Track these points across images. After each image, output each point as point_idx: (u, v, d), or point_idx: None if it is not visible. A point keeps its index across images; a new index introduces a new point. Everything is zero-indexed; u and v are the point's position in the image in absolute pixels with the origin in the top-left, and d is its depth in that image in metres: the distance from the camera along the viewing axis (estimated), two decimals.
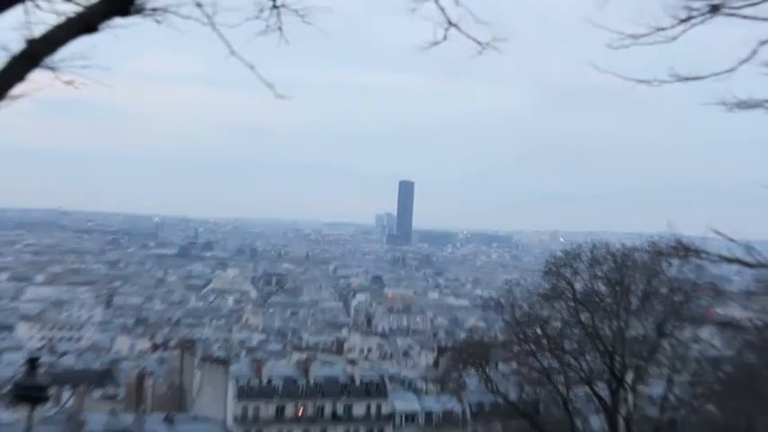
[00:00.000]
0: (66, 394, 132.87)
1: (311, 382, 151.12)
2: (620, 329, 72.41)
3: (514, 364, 78.94)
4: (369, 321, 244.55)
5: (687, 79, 16.80)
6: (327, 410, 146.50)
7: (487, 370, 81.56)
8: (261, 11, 11.02)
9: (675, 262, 67.65)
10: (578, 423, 75.04)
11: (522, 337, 76.91)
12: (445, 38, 11.15)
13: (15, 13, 10.16)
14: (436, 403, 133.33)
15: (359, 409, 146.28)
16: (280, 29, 11.09)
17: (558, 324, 75.80)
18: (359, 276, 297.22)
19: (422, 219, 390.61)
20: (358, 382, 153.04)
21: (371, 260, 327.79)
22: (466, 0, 11.05)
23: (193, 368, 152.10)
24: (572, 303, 74.39)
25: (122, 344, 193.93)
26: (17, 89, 10.42)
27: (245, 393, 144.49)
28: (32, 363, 38.38)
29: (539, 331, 75.77)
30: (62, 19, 10.54)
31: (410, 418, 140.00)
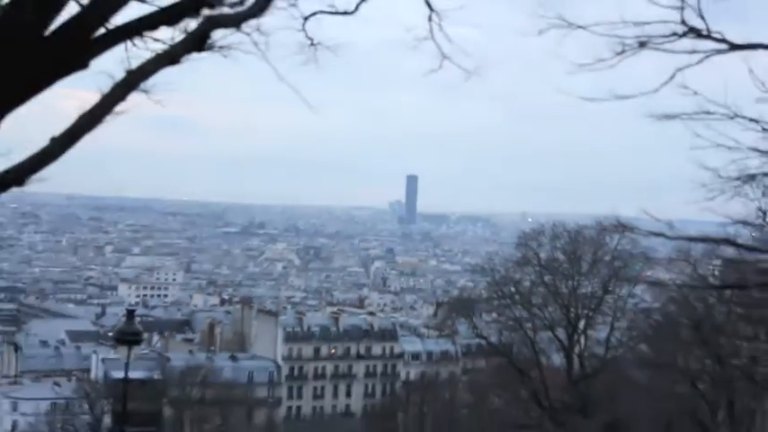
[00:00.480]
0: (155, 338, 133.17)
1: (340, 329, 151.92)
2: (574, 288, 72.95)
3: (494, 315, 78.99)
4: (384, 282, 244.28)
5: (623, 98, 16.90)
6: (352, 351, 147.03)
7: (474, 319, 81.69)
8: (302, 48, 11.06)
9: (616, 236, 67.80)
10: (543, 360, 75.21)
11: (500, 294, 77.24)
12: (440, 67, 11.19)
13: (118, 50, 10.22)
14: (435, 345, 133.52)
15: (376, 350, 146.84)
16: (316, 61, 11.14)
17: (527, 284, 76.06)
18: (376, 248, 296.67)
19: (424, 204, 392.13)
20: (376, 329, 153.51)
21: (386, 236, 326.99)
22: (457, 38, 11.10)
23: (251, 318, 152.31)
24: (537, 268, 74.85)
25: (198, 300, 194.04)
26: (119, 108, 10.53)
27: (290, 338, 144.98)
28: (130, 314, 38.69)
29: (512, 289, 76.08)
30: (153, 54, 10.64)
31: (415, 356, 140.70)
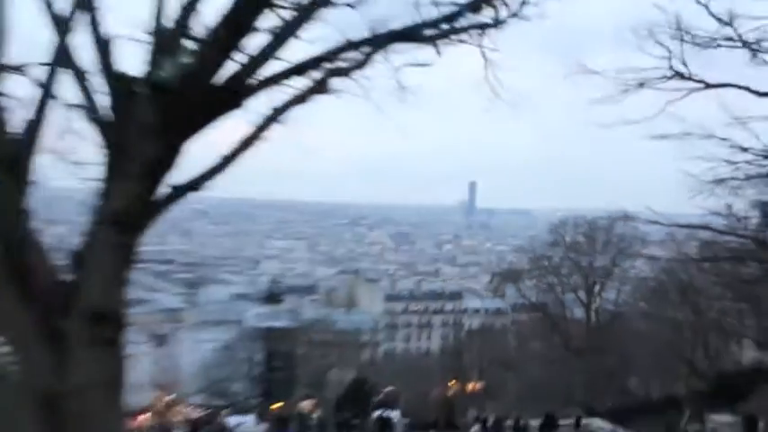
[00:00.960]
0: (290, 298, 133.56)
1: (422, 291, 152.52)
2: (591, 262, 73.27)
3: (533, 282, 79.01)
4: (453, 258, 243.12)
5: (629, 123, 16.89)
6: (431, 307, 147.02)
7: (519, 285, 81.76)
8: (394, 89, 11.15)
9: (621, 224, 67.73)
10: (568, 314, 75.03)
11: (537, 266, 77.62)
12: (493, 100, 11.37)
13: (264, 93, 10.35)
14: (491, 303, 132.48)
15: (448, 307, 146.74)
16: (404, 98, 11.25)
17: (557, 260, 76.14)
18: (447, 234, 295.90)
19: (481, 202, 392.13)
20: (447, 292, 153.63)
21: (454, 225, 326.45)
22: (504, 79, 11.24)
23: (359, 285, 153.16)
24: (564, 248, 75.08)
25: (320, 271, 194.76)
26: (265, 135, 10.70)
27: (386, 298, 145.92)
28: (274, 282, 39.36)
29: (546, 263, 76.38)
30: (289, 96, 10.75)
31: (476, 311, 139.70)
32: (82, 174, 11.09)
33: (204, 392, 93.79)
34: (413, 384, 74.32)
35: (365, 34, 10.58)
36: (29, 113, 10.52)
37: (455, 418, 45.31)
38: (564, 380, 64.62)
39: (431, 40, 10.91)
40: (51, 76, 10.67)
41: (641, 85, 17.31)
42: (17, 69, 10.68)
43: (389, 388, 67.22)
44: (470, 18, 10.85)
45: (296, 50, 10.27)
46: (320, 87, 10.82)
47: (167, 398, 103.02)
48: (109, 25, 10.63)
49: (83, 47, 10.66)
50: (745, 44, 17.58)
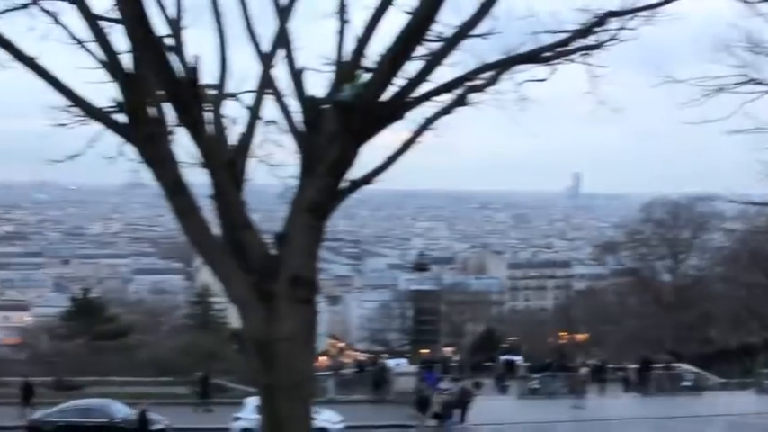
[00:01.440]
0: (434, 267, 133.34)
1: (538, 260, 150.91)
2: (676, 236, 70.96)
3: (629, 252, 77.46)
4: (563, 234, 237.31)
5: (710, 121, 16.48)
6: (545, 273, 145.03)
7: (617, 254, 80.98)
8: (517, 100, 11.27)
9: (701, 203, 66.16)
10: (657, 277, 73.14)
11: (632, 239, 76.09)
12: (597, 106, 11.43)
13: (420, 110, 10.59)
14: (594, 269, 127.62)
15: (560, 273, 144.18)
16: (521, 106, 11.45)
17: (648, 233, 74.07)
18: (557, 215, 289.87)
19: (585, 188, 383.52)
20: (558, 261, 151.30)
21: (562, 207, 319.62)
22: (605, 90, 11.24)
23: (487, 256, 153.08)
24: (654, 224, 72.88)
25: (457, 247, 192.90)
26: (419, 140, 11.08)
27: (510, 266, 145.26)
28: (421, 254, 39.56)
29: (639, 237, 74.62)
30: (437, 108, 11.06)
31: (582, 276, 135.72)
32: (279, 173, 11.62)
33: (367, 340, 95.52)
34: (532, 335, 73.66)
35: (496, 58, 10.71)
36: (241, 128, 11.15)
37: (567, 362, 44.60)
38: (655, 331, 62.73)
39: (547, 61, 10.97)
40: (258, 100, 11.24)
41: (720, 90, 16.78)
42: (233, 96, 11.30)
43: (513, 337, 66.93)
44: (579, 42, 10.85)
45: (442, 72, 10.50)
46: (462, 101, 11.02)
47: (339, 344, 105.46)
48: (301, 59, 11.14)
49: (281, 76, 11.21)
50: None
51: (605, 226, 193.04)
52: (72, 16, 10.22)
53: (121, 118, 10.18)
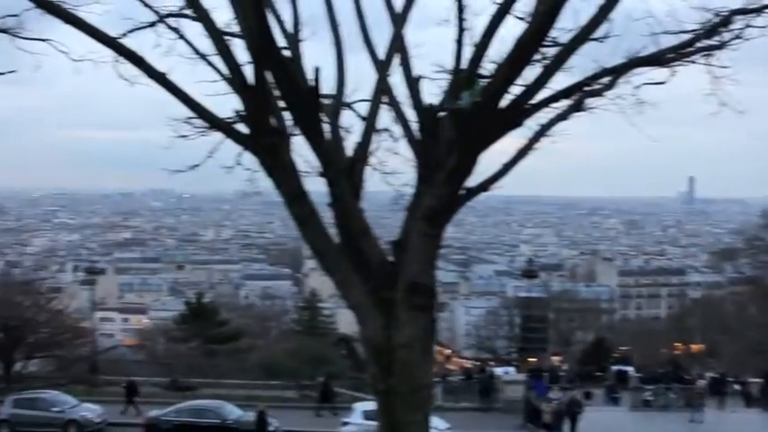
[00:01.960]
0: (543, 274, 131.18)
1: (650, 267, 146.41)
2: None
3: (749, 259, 74.08)
4: (676, 240, 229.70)
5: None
6: (658, 281, 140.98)
7: (734, 261, 77.65)
8: (634, 102, 11.12)
9: None
10: None
11: (750, 246, 72.11)
12: (718, 108, 11.11)
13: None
14: (709, 277, 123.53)
15: (672, 280, 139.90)
16: (641, 110, 11.30)
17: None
18: (670, 220, 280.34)
19: (699, 192, 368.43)
20: (672, 268, 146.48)
21: (676, 213, 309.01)
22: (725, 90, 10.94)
23: (597, 263, 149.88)
24: None
25: (565, 253, 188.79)
26: (536, 146, 11.07)
27: (620, 273, 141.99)
28: (529, 261, 38.46)
29: (758, 243, 70.86)
30: (553, 115, 10.99)
31: (697, 284, 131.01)
32: (392, 180, 11.74)
33: (473, 348, 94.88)
34: (644, 345, 71.60)
35: (612, 61, 10.51)
36: (358, 137, 11.32)
37: (682, 373, 43.12)
38: None
39: (668, 63, 10.71)
40: (374, 108, 11.39)
41: None
42: (349, 106, 11.49)
43: (624, 347, 65.16)
44: (702, 43, 10.52)
45: (559, 78, 10.38)
46: (579, 106, 10.85)
47: (446, 351, 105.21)
48: (416, 66, 11.21)
49: (397, 84, 11.32)
50: None
51: (721, 232, 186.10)
52: (193, 32, 10.60)
53: (243, 128, 10.47)
